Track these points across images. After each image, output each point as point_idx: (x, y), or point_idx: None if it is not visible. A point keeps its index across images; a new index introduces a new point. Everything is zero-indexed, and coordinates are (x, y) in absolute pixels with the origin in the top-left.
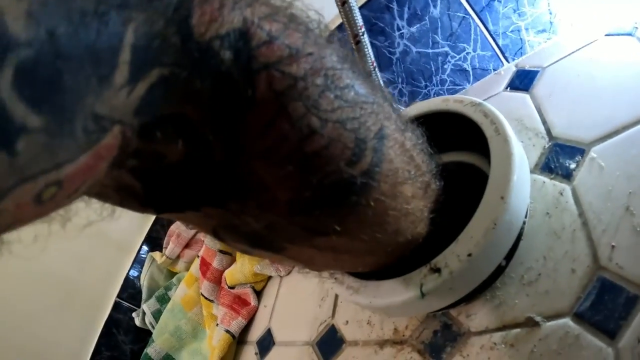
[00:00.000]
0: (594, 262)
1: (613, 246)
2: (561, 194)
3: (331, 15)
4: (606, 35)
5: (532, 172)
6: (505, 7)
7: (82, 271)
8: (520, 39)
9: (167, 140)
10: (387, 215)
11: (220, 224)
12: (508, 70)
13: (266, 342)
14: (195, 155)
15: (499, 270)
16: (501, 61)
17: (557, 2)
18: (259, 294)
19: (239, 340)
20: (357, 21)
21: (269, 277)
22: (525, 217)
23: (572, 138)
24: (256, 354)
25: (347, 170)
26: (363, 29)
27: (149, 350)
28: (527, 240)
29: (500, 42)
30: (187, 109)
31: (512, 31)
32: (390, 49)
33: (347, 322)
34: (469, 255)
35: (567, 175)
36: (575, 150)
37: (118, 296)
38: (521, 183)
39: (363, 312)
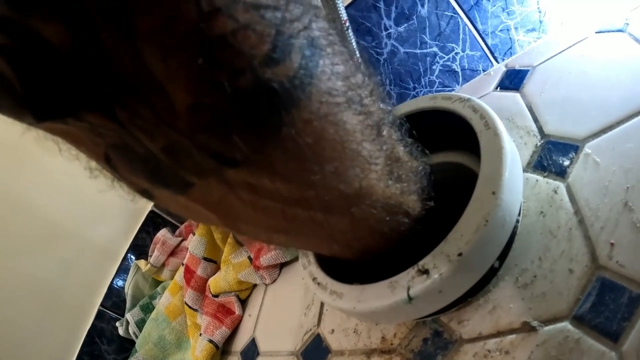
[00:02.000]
0: (592, 262)
1: (612, 244)
2: (555, 191)
3: None
4: (597, 32)
5: (524, 170)
6: (494, 5)
7: (66, 277)
8: (510, 38)
9: (44, 15)
10: (322, 148)
11: (111, 143)
12: (498, 70)
13: (250, 353)
14: (80, 39)
15: (492, 272)
16: (490, 61)
17: (546, 0)
18: (243, 302)
19: (223, 350)
20: (341, 16)
21: (254, 286)
22: (519, 215)
23: (565, 135)
24: None
25: (265, 72)
26: (347, 24)
27: None
28: (521, 240)
29: (489, 42)
30: None
31: (501, 30)
32: (378, 50)
33: (332, 330)
34: (460, 255)
35: (561, 173)
36: (569, 147)
37: (102, 304)
38: (513, 178)
39: (349, 320)
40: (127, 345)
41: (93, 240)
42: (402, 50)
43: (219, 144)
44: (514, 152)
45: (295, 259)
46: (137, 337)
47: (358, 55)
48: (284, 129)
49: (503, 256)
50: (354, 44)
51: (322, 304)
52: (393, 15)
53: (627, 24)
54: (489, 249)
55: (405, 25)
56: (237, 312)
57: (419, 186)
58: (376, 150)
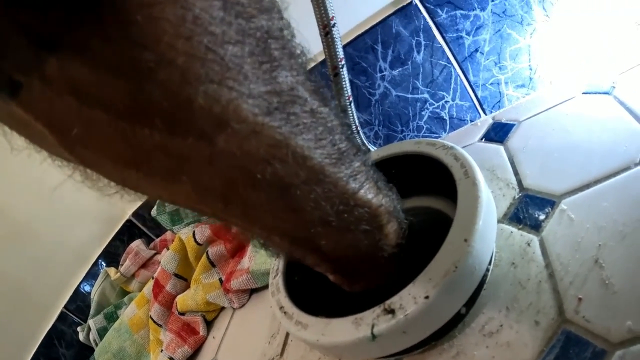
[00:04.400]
0: (559, 315)
1: (580, 299)
2: (528, 244)
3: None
4: (584, 93)
5: (500, 221)
6: (487, 59)
7: (34, 276)
8: (500, 92)
9: None
10: (157, 27)
11: None
12: (484, 122)
13: None
14: None
15: (458, 318)
16: (478, 112)
17: (538, 58)
18: (209, 324)
19: None
20: (338, 53)
21: (222, 308)
22: (490, 264)
23: (543, 190)
24: None
25: None
26: (343, 62)
27: None
28: (490, 289)
29: (479, 94)
30: None
31: (491, 84)
32: (371, 90)
33: None
34: (426, 297)
35: (536, 226)
36: (546, 202)
37: (65, 307)
38: (486, 228)
39: (312, 353)
40: (86, 352)
41: (66, 242)
42: (394, 93)
43: (35, 21)
44: (489, 203)
45: (266, 287)
46: (96, 344)
47: (349, 93)
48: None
49: (470, 303)
50: (347, 81)
51: (287, 334)
52: (389, 58)
53: (614, 87)
54: (457, 294)
55: (400, 69)
56: (201, 333)
57: (395, 208)
58: (250, 55)
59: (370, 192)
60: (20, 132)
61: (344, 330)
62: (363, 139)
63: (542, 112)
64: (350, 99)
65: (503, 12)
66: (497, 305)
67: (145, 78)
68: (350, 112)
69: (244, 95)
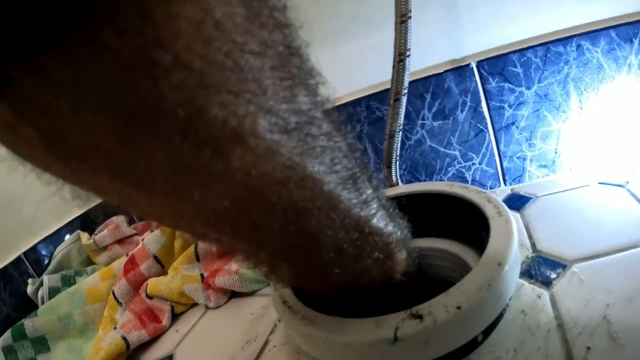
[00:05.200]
0: None
1: (588, 348)
2: (539, 297)
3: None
4: (599, 183)
5: None
6: (521, 134)
7: (7, 208)
8: (523, 167)
9: None
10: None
11: None
12: (503, 191)
13: None
14: None
15: (474, 345)
16: (499, 181)
17: (565, 144)
18: (175, 317)
19: (131, 355)
20: (404, 81)
21: (193, 305)
22: (509, 299)
23: (555, 254)
24: None
25: None
26: (406, 91)
27: (26, 322)
28: (500, 332)
29: (505, 164)
30: None
31: (518, 157)
32: (408, 134)
33: None
34: (458, 307)
35: (547, 283)
36: (557, 264)
37: (25, 253)
38: (515, 262)
39: None
40: (28, 307)
41: (48, 191)
42: (428, 142)
43: None
44: (517, 246)
45: (250, 294)
46: (43, 303)
47: (402, 121)
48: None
49: (488, 331)
50: (404, 110)
51: (265, 343)
52: (434, 109)
53: (627, 182)
54: (484, 313)
55: (441, 122)
56: (164, 322)
57: (406, 236)
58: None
59: (383, 220)
60: (3, 138)
61: (361, 329)
62: (397, 171)
63: (559, 192)
64: (401, 127)
65: (545, 95)
66: (505, 346)
67: (159, 79)
68: (396, 139)
69: (262, 110)
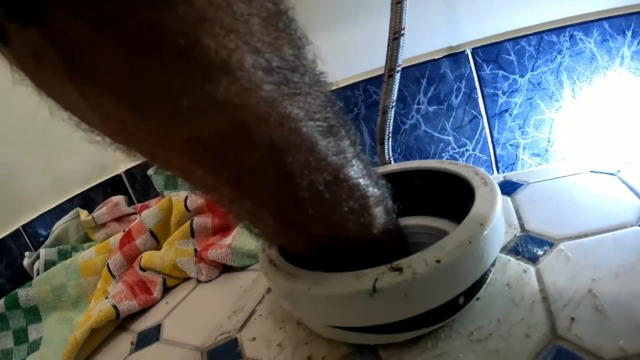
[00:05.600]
0: (551, 331)
1: (573, 318)
2: (525, 271)
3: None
4: (591, 171)
5: (499, 252)
6: (514, 121)
7: (11, 178)
8: (516, 155)
9: None
10: None
11: None
12: (496, 179)
13: (150, 336)
14: None
15: (455, 308)
16: (492, 169)
17: (557, 133)
18: (167, 290)
19: (120, 325)
20: (398, 58)
21: (185, 279)
22: (493, 265)
23: (543, 233)
24: (132, 343)
25: None
26: (399, 68)
27: (21, 291)
28: (483, 303)
29: (498, 151)
30: None
31: (511, 145)
32: (404, 118)
33: (254, 338)
34: (438, 261)
35: (533, 259)
36: (545, 242)
37: (24, 227)
38: (498, 224)
39: (277, 333)
40: (25, 280)
41: (50, 169)
42: (423, 127)
43: None
44: (501, 211)
45: (242, 269)
46: (38, 275)
47: (395, 97)
48: None
49: (469, 295)
50: (397, 87)
51: (251, 312)
52: (429, 94)
53: (619, 170)
54: (464, 271)
55: (436, 107)
56: (155, 295)
57: (384, 194)
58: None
59: (359, 172)
60: (26, 66)
61: (341, 282)
62: (389, 148)
63: (551, 179)
64: (394, 103)
65: (538, 84)
66: (488, 317)
67: (167, 11)
68: (389, 115)
69: (250, 48)
